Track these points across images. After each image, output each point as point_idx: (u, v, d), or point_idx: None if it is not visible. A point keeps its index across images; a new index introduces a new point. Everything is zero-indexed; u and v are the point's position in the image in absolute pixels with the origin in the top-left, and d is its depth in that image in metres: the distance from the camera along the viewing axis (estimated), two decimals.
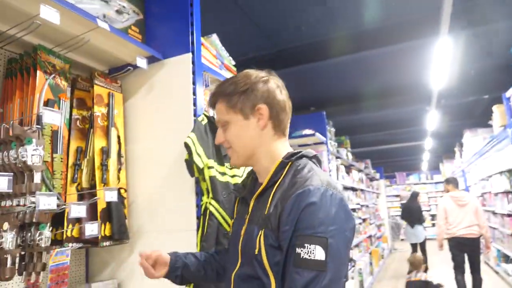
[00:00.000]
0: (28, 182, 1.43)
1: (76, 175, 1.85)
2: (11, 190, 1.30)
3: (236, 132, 1.18)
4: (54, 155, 1.73)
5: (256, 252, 1.04)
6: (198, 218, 1.87)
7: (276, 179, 1.11)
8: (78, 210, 1.49)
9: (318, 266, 0.93)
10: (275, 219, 1.03)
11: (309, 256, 0.94)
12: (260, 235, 1.05)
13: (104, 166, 1.89)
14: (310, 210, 0.98)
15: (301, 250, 0.95)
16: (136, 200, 2.06)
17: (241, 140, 1.18)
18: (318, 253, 0.94)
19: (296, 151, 1.17)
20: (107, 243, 1.83)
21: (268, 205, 1.07)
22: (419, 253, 6.17)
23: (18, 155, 1.42)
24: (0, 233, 1.41)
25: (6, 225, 1.42)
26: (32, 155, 1.44)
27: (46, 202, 1.37)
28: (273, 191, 1.09)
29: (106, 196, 1.58)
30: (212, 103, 1.24)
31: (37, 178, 1.44)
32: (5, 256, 1.40)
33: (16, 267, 1.52)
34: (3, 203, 1.49)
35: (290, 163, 1.13)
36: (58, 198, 1.67)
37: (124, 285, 2.02)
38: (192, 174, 1.80)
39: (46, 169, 1.67)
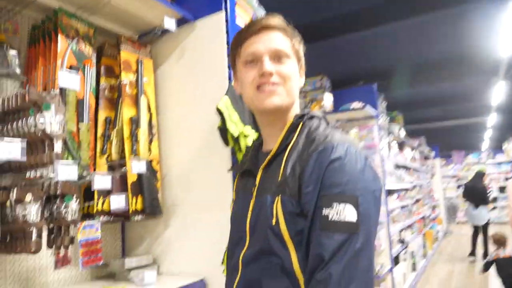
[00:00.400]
0: (48, 152, 1.34)
1: (105, 146, 1.75)
2: (24, 159, 1.20)
3: (292, 70, 1.04)
4: (80, 125, 1.63)
5: (274, 223, 0.92)
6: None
7: (288, 142, 1.00)
8: (102, 181, 1.39)
9: (350, 228, 0.84)
10: (293, 182, 0.92)
11: (339, 217, 0.85)
12: (276, 203, 0.93)
13: (134, 137, 1.77)
14: (335, 167, 0.88)
15: (329, 211, 0.85)
16: (169, 173, 1.95)
17: (294, 80, 1.04)
18: (348, 213, 0.85)
19: (304, 112, 1.06)
20: (139, 217, 1.73)
21: (281, 170, 0.96)
22: (501, 231, 5.67)
23: (37, 123, 1.33)
24: (24, 205, 1.34)
25: (29, 197, 1.34)
26: (51, 122, 1.35)
27: (66, 172, 1.27)
28: (286, 155, 0.98)
29: (133, 167, 1.46)
30: (263, 27, 1.03)
31: (57, 147, 1.34)
32: (29, 229, 1.33)
33: (46, 241, 1.46)
34: (27, 175, 1.42)
35: (301, 124, 1.02)
36: (84, 169, 1.58)
37: (160, 260, 1.93)
38: (226, 143, 1.64)
39: (71, 139, 1.58)
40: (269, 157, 1.01)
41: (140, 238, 2.01)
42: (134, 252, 2.02)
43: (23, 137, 1.34)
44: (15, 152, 1.15)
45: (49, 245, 1.46)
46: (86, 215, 1.77)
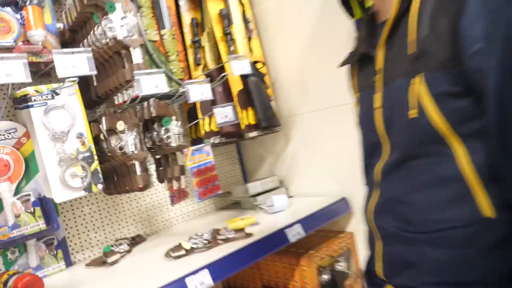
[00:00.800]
0: (128, 65, 1.04)
1: (198, 55, 1.42)
2: (93, 72, 0.91)
3: None
4: (162, 32, 1.31)
5: (417, 114, 0.66)
6: None
7: None
8: (199, 91, 1.06)
9: None
10: (441, 45, 0.63)
11: None
12: (417, 85, 0.66)
13: (228, 36, 1.40)
14: None
15: None
16: (279, 76, 1.56)
17: None
18: None
19: None
20: (254, 133, 1.41)
21: (413, 36, 0.68)
22: None
23: (104, 29, 1.02)
24: (118, 136, 1.10)
25: (121, 125, 1.09)
26: (121, 25, 1.03)
27: (152, 84, 0.96)
28: (415, 12, 0.68)
29: (233, 68, 1.10)
30: None
31: (136, 56, 1.04)
32: (131, 162, 1.10)
33: (156, 174, 1.25)
34: (115, 101, 1.17)
35: None
36: (179, 85, 1.28)
37: (287, 182, 1.63)
38: (351, 14, 1.15)
39: (156, 50, 1.27)
40: (389, 22, 0.72)
41: (260, 159, 1.73)
42: (256, 175, 1.76)
43: (94, 52, 1.07)
44: (83, 66, 0.86)
45: (159, 179, 1.24)
46: (196, 140, 1.52)
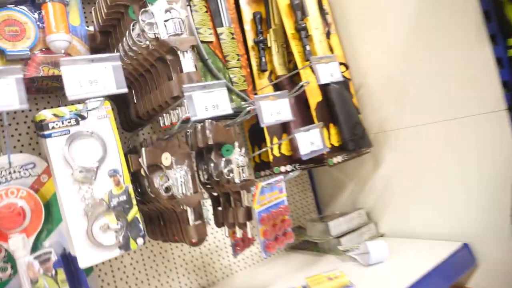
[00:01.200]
0: (175, 75, 0.75)
1: (263, 58, 1.11)
2: (123, 90, 0.62)
3: None
4: (219, 30, 1.01)
5: None
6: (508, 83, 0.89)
7: None
8: (274, 109, 0.75)
9: None
10: None
11: None
12: None
13: (302, 32, 1.07)
14: None
15: None
16: (365, 81, 1.21)
17: None
18: None
19: None
20: (339, 158, 1.07)
21: None
22: None
23: (142, 26, 0.74)
24: (164, 172, 0.81)
25: (167, 159, 0.80)
26: (166, 20, 0.74)
27: (208, 102, 0.66)
28: None
29: (320, 74, 0.78)
30: None
31: (187, 63, 0.74)
32: (182, 207, 0.81)
33: (213, 217, 0.95)
34: (161, 122, 0.88)
35: None
36: (241, 98, 0.98)
37: (376, 215, 1.27)
38: None
39: (212, 54, 0.98)
40: None
41: (339, 186, 1.38)
42: (332, 206, 1.42)
43: (132, 59, 0.79)
44: (107, 81, 0.57)
45: (218, 223, 0.94)
46: (260, 165, 1.21)
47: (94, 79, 0.54)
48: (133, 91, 0.93)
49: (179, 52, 0.74)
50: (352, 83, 1.21)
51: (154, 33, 0.73)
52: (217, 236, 1.18)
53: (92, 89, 0.54)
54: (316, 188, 1.45)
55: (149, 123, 0.98)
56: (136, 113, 0.94)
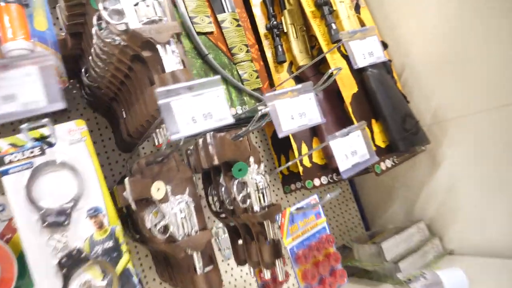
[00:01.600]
0: (157, 77, 0.55)
1: (279, 47, 0.89)
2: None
3: None
4: (220, 17, 0.81)
5: None
6: None
7: None
8: (293, 108, 0.53)
9: None
10: None
11: None
12: None
13: (325, 7, 0.85)
14: None
15: None
16: (408, 62, 0.97)
17: None
18: None
19: None
20: (388, 162, 0.83)
21: None
22: None
23: (105, 16, 0.54)
24: (156, 207, 0.61)
25: (160, 190, 0.60)
26: (136, 4, 0.54)
27: (197, 111, 0.45)
28: None
29: (355, 54, 0.55)
30: None
31: (169, 60, 0.54)
32: (186, 251, 0.60)
33: (232, 253, 0.74)
34: (155, 141, 0.69)
35: None
36: (253, 97, 0.77)
37: (440, 228, 1.02)
38: None
39: (213, 48, 0.77)
40: None
41: (388, 192, 1.14)
42: (383, 218, 1.18)
43: (108, 64, 0.60)
44: (31, 90, 0.38)
45: (239, 261, 0.73)
46: (289, 177, 0.99)
47: (8, 93, 0.35)
48: (119, 104, 0.75)
49: (158, 46, 0.54)
50: (393, 66, 0.97)
51: (122, 23, 0.54)
52: (241, 274, 0.97)
53: (9, 106, 0.34)
54: (359, 197, 1.21)
55: (142, 141, 0.79)
56: (127, 131, 0.75)
